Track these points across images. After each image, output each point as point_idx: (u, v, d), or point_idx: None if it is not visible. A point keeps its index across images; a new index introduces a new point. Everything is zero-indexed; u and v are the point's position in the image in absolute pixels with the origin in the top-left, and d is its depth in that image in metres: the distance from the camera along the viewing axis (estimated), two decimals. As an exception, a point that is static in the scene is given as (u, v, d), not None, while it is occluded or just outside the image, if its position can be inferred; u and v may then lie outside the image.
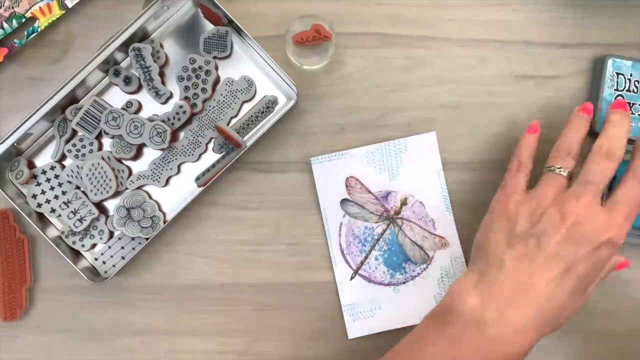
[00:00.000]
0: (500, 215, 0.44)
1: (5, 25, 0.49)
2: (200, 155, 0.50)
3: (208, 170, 0.50)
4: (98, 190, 0.49)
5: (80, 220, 0.49)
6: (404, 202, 0.49)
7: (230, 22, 0.49)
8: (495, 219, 0.44)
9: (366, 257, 0.49)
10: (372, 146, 0.50)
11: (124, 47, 0.49)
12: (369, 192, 0.49)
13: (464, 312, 0.41)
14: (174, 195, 0.50)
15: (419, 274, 0.49)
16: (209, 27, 0.51)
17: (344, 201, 0.49)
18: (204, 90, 0.50)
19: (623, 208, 0.41)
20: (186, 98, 0.50)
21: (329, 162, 0.49)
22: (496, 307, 0.40)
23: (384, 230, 0.49)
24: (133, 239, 0.50)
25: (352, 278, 0.50)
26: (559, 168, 0.43)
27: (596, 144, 0.43)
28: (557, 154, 0.44)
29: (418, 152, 0.50)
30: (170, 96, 0.50)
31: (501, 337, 0.40)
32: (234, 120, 0.50)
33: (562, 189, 0.43)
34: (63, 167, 0.50)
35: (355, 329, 0.49)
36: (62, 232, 0.50)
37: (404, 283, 0.49)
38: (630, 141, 0.50)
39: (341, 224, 0.49)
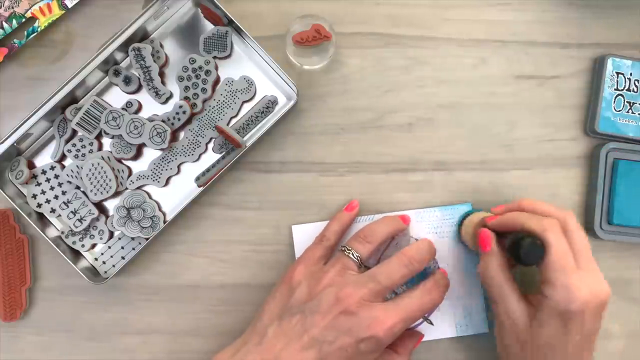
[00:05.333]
0: (284, 284, 0.44)
1: (5, 25, 0.50)
2: (200, 155, 0.50)
3: (208, 170, 0.50)
4: (98, 190, 0.49)
5: (80, 220, 0.49)
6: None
7: (230, 22, 0.49)
8: (279, 287, 0.44)
9: None
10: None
11: (124, 47, 0.49)
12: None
13: None
14: (174, 195, 0.50)
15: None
16: (209, 27, 0.51)
17: None
18: (204, 90, 0.50)
19: (401, 311, 0.41)
20: (186, 98, 0.50)
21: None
22: None
23: None
24: (133, 239, 0.50)
25: None
26: (349, 249, 0.44)
27: (402, 251, 0.43)
28: (356, 237, 0.45)
29: None
30: (170, 96, 0.50)
31: None
32: (234, 120, 0.50)
33: (348, 271, 0.43)
34: (63, 167, 0.50)
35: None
36: (62, 232, 0.50)
37: None
38: (633, 140, 0.50)
39: None
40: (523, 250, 0.39)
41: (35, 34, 0.50)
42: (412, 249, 0.43)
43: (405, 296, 0.42)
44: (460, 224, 0.48)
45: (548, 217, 0.41)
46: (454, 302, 0.49)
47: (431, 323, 0.47)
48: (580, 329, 0.39)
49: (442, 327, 0.49)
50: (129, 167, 0.50)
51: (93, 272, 0.49)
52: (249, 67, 0.50)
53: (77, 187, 0.50)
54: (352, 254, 0.44)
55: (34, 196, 0.49)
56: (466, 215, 0.48)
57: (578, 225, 0.42)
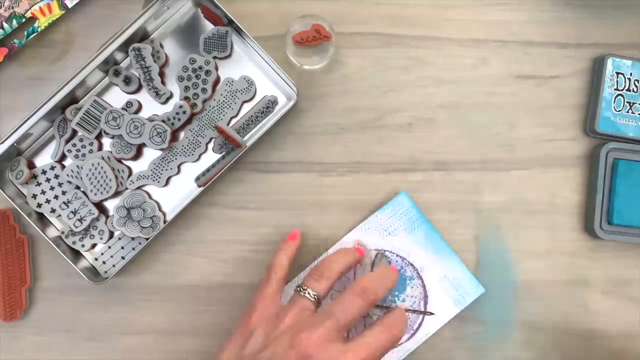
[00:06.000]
0: (240, 328, 0.42)
1: (5, 25, 0.50)
2: (200, 155, 0.50)
3: (208, 170, 0.50)
4: (98, 190, 0.49)
5: (80, 220, 0.49)
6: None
7: (230, 22, 0.49)
8: (235, 332, 0.42)
9: None
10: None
11: (124, 47, 0.49)
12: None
13: None
14: (174, 195, 0.50)
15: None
16: (209, 27, 0.51)
17: None
18: (204, 90, 0.50)
19: (362, 352, 0.39)
20: (186, 98, 0.50)
21: None
22: None
23: None
24: (133, 239, 0.50)
25: None
26: (304, 289, 0.42)
27: (357, 280, 0.42)
28: (312, 275, 0.43)
29: None
30: (170, 96, 0.50)
31: None
32: (234, 120, 0.50)
33: (305, 312, 0.41)
34: (63, 167, 0.50)
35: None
36: (62, 232, 0.50)
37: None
38: (633, 140, 0.50)
39: None
40: None
41: (35, 34, 0.50)
42: (365, 278, 0.42)
43: (365, 335, 0.40)
44: None
45: None
46: (441, 282, 0.49)
47: (431, 313, 0.47)
48: None
49: (442, 310, 0.49)
50: (129, 167, 0.50)
51: (93, 272, 0.49)
52: (249, 67, 0.50)
53: (77, 187, 0.50)
54: (309, 294, 0.42)
55: (34, 196, 0.49)
56: None
57: None
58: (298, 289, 0.43)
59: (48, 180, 0.50)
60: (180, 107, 0.49)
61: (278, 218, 0.50)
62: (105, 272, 0.50)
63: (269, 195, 0.50)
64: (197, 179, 0.50)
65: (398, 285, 0.48)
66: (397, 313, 0.43)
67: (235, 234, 0.50)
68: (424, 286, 0.49)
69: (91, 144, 0.50)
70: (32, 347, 0.50)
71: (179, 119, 0.49)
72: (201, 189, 0.48)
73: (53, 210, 0.49)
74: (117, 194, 0.49)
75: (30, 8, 0.50)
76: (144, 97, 0.50)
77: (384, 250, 0.49)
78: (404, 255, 0.49)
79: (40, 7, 0.50)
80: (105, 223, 0.50)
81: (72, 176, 0.49)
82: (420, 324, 0.48)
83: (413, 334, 0.48)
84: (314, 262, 0.49)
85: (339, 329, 0.40)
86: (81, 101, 0.50)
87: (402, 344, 0.48)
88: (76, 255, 0.50)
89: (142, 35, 0.50)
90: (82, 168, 0.49)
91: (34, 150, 0.50)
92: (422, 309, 0.48)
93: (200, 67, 0.49)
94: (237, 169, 0.50)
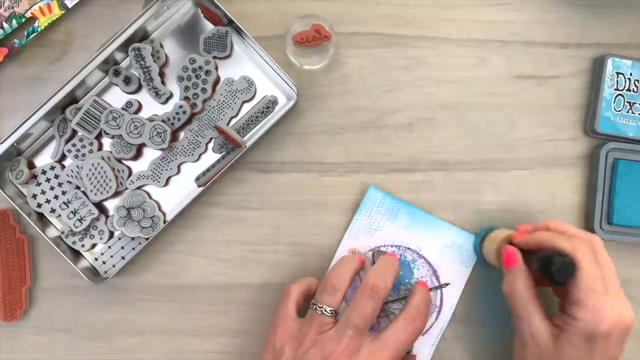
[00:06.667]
0: (267, 347, 0.43)
1: (5, 25, 0.50)
2: (200, 155, 0.50)
3: (208, 170, 0.50)
4: (98, 190, 0.49)
5: (80, 220, 0.49)
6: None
7: (230, 22, 0.49)
8: (264, 350, 0.44)
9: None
10: None
11: (124, 47, 0.49)
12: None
13: None
14: (174, 195, 0.50)
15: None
16: (209, 27, 0.51)
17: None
18: (204, 90, 0.50)
19: (389, 349, 0.41)
20: (186, 98, 0.50)
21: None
22: None
23: None
24: (133, 239, 0.50)
25: None
26: (320, 307, 0.43)
27: (363, 282, 0.43)
28: (324, 290, 0.43)
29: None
30: (170, 96, 0.50)
31: None
32: (234, 120, 0.50)
33: (325, 326, 0.42)
34: (63, 167, 0.50)
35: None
36: (62, 232, 0.50)
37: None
38: (633, 140, 0.50)
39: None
40: (555, 267, 0.38)
41: (35, 34, 0.50)
42: (370, 276, 0.43)
43: (390, 330, 0.42)
44: (481, 240, 0.48)
45: (577, 238, 0.41)
46: (442, 251, 0.49)
47: (447, 284, 0.49)
48: (604, 352, 0.39)
49: (455, 276, 0.49)
50: (129, 167, 0.50)
51: (93, 272, 0.49)
52: (249, 67, 0.50)
53: (77, 187, 0.50)
54: (325, 310, 0.43)
55: (34, 196, 0.49)
56: (487, 231, 0.48)
57: (604, 248, 0.42)
58: (314, 306, 0.43)
59: (48, 180, 0.50)
60: (180, 107, 0.49)
61: (278, 218, 0.50)
62: (105, 272, 0.50)
63: (269, 195, 0.50)
64: (197, 179, 0.50)
65: (404, 272, 0.49)
66: (419, 297, 0.44)
67: (235, 234, 0.50)
68: (428, 263, 0.49)
69: (91, 144, 0.50)
70: (32, 347, 0.50)
71: (179, 119, 0.49)
72: (201, 189, 0.48)
73: (53, 210, 0.49)
74: (117, 194, 0.49)
75: (30, 8, 0.50)
76: (144, 97, 0.50)
77: (379, 247, 0.49)
78: (398, 243, 0.49)
79: (40, 7, 0.50)
80: (105, 223, 0.50)
81: (72, 176, 0.49)
82: (441, 299, 0.49)
83: (439, 311, 0.49)
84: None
85: (361, 333, 0.41)
86: (81, 101, 0.50)
87: (432, 324, 0.49)
88: (76, 255, 0.50)
89: (142, 35, 0.50)
90: (82, 168, 0.49)
91: (34, 150, 0.50)
92: (436, 284, 0.48)
93: (200, 67, 0.49)
94: (237, 169, 0.50)
